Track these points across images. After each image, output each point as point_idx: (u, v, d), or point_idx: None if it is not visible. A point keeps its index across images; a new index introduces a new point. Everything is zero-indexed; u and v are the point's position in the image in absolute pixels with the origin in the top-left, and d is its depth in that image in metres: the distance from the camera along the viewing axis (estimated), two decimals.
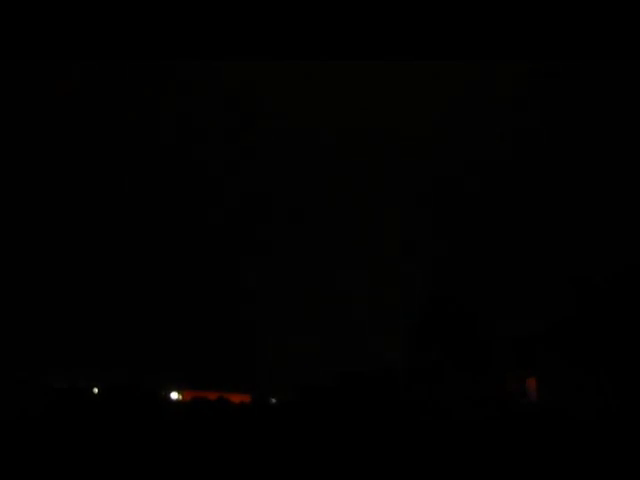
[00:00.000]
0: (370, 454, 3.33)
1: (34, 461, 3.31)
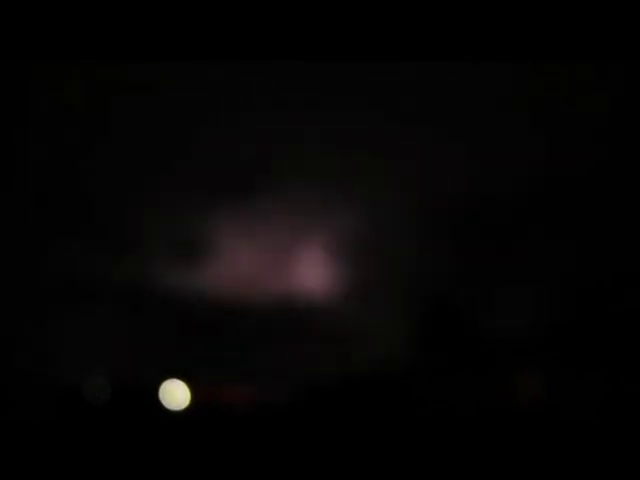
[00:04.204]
0: (371, 454, 3.30)
1: (34, 462, 3.26)
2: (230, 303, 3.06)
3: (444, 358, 2.97)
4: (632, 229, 2.91)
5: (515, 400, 2.92)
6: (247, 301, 3.06)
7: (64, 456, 2.76)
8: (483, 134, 2.87)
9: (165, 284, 3.06)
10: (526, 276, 2.97)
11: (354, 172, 2.94)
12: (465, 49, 2.44)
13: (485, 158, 2.88)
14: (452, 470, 2.77)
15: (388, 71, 2.64)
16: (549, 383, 2.92)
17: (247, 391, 2.99)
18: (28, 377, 2.91)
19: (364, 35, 2.45)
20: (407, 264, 2.98)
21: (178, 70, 2.61)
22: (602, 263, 2.94)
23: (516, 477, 2.74)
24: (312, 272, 3.05)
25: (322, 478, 2.78)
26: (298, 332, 3.01)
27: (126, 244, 3.00)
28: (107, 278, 3.03)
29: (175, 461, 2.79)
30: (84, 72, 2.61)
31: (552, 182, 2.94)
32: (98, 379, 2.95)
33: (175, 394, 2.95)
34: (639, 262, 2.93)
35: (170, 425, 2.91)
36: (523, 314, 2.98)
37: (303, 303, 3.03)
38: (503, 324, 2.97)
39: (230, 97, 2.74)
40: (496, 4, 2.35)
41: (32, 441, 2.78)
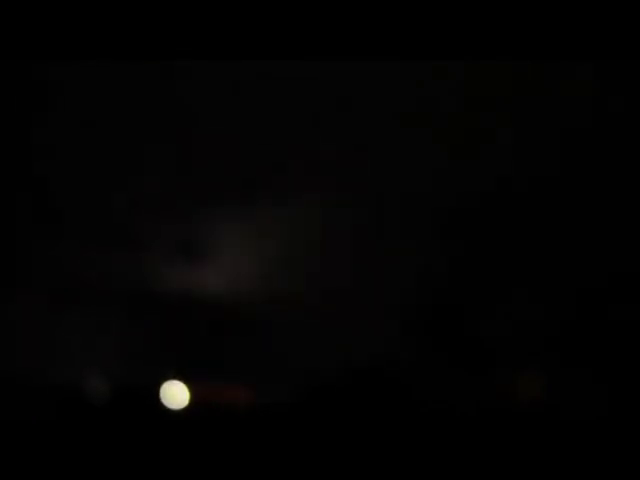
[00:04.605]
0: (371, 454, 3.27)
1: (34, 463, 3.24)
2: (229, 303, 3.05)
3: (444, 358, 2.97)
4: (633, 229, 2.91)
5: (515, 400, 2.92)
6: (246, 301, 3.05)
7: (64, 456, 2.76)
8: (478, 132, 2.86)
9: (165, 284, 3.06)
10: (526, 276, 2.97)
11: (354, 171, 2.94)
12: (460, 49, 2.44)
13: (483, 157, 2.88)
14: (452, 470, 2.77)
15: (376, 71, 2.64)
16: (549, 383, 2.92)
17: (247, 391, 2.99)
18: (28, 377, 2.91)
19: (363, 35, 2.45)
20: (407, 264, 2.98)
21: (179, 68, 2.61)
22: (603, 263, 2.94)
23: (516, 477, 2.74)
24: (311, 272, 3.04)
25: (321, 478, 2.78)
26: (298, 332, 3.01)
27: (126, 244, 3.00)
28: (107, 278, 3.03)
29: (175, 461, 2.79)
30: (85, 71, 2.61)
31: (551, 182, 2.93)
32: (98, 379, 2.95)
33: (175, 394, 2.95)
34: (639, 262, 2.93)
35: (170, 425, 2.91)
36: (523, 314, 2.97)
37: (302, 303, 3.02)
38: (503, 324, 2.97)
39: (231, 98, 2.74)
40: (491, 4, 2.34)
41: (32, 441, 2.77)
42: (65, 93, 2.69)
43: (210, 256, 3.09)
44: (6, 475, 2.62)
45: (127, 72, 2.62)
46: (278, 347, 2.97)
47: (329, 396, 2.88)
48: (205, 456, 2.77)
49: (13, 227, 2.92)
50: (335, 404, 2.86)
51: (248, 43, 2.47)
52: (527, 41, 2.47)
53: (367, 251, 3.02)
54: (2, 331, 2.91)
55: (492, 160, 2.85)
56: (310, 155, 2.90)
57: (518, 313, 2.96)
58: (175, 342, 2.98)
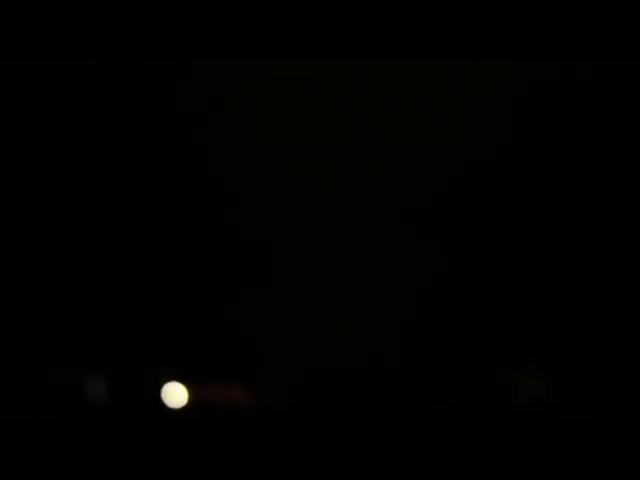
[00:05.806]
0: (371, 454, 3.25)
1: (35, 463, 3.20)
2: (228, 302, 3.05)
3: (444, 358, 2.97)
4: (633, 229, 2.91)
5: (515, 400, 2.92)
6: (245, 300, 3.05)
7: (64, 456, 2.76)
8: (476, 132, 2.86)
9: (165, 282, 3.05)
10: (526, 275, 2.96)
11: (354, 170, 2.94)
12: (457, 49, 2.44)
13: (481, 157, 2.87)
14: (453, 470, 2.76)
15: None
16: (549, 383, 2.92)
17: (247, 391, 2.99)
18: (28, 377, 2.91)
19: (363, 36, 2.45)
20: (407, 263, 2.97)
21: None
22: (603, 262, 2.94)
23: (516, 477, 2.74)
24: (311, 271, 3.04)
25: (322, 478, 2.78)
26: (297, 331, 3.01)
27: (124, 243, 3.00)
28: (106, 277, 3.02)
29: (175, 461, 2.79)
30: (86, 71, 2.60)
31: (551, 181, 2.93)
32: (98, 379, 2.94)
33: (175, 394, 2.95)
34: (639, 261, 2.93)
35: (170, 425, 2.91)
36: (523, 314, 2.97)
37: (301, 302, 3.02)
38: (503, 324, 2.97)
39: None
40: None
41: (32, 441, 2.77)
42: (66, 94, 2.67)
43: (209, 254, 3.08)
44: (6, 475, 2.62)
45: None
46: (278, 346, 2.96)
47: (329, 396, 2.88)
48: (205, 456, 2.76)
49: (12, 225, 2.91)
50: (335, 404, 2.86)
51: (248, 43, 2.47)
52: (527, 41, 2.47)
53: (367, 251, 3.01)
54: (3, 330, 2.91)
55: (491, 160, 2.85)
56: (311, 155, 2.89)
57: (518, 313, 2.95)
58: (175, 342, 2.98)
